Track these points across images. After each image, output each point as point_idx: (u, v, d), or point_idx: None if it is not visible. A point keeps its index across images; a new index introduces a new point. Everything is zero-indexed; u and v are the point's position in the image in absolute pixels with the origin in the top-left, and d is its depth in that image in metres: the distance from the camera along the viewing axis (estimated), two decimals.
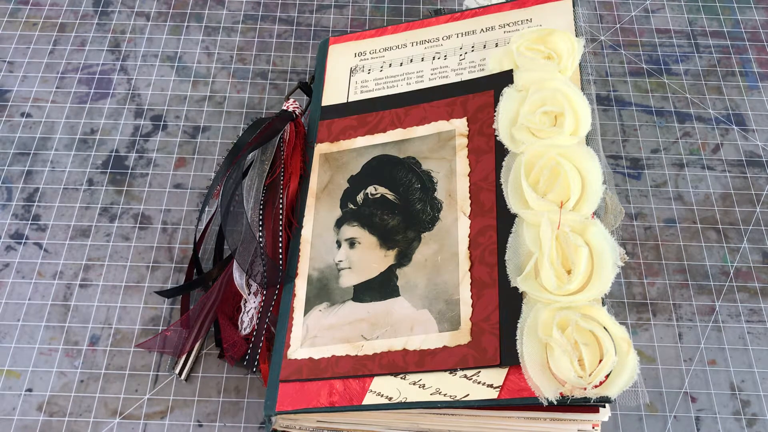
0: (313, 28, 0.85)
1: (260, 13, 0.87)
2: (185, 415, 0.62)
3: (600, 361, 0.49)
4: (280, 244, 0.63)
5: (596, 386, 0.48)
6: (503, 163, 0.60)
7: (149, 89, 0.80)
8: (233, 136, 0.77)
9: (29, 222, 0.71)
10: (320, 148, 0.68)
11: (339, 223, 0.64)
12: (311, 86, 0.74)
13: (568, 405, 0.49)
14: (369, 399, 0.54)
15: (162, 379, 0.63)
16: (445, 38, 0.71)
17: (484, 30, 0.70)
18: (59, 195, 0.73)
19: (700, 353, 0.65)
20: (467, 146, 0.63)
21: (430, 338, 0.56)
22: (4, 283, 0.68)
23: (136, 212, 0.72)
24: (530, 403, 0.50)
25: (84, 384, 0.63)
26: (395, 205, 0.63)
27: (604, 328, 0.50)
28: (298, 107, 0.71)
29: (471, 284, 0.57)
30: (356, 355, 0.57)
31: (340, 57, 0.74)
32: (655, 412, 0.62)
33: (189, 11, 0.87)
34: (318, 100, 0.72)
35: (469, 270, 0.57)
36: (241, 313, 0.64)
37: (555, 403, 0.49)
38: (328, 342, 0.58)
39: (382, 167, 0.65)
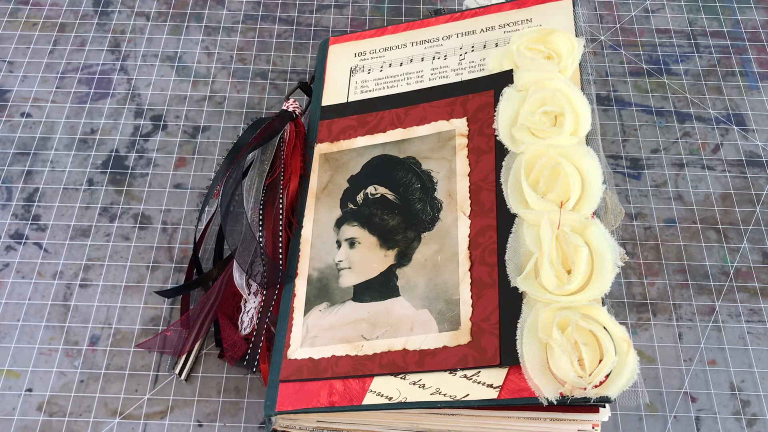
0: (313, 28, 0.85)
1: (260, 13, 0.87)
2: (185, 415, 0.62)
3: (600, 361, 0.49)
4: (280, 244, 0.63)
5: (596, 386, 0.48)
6: (503, 163, 0.60)
7: (149, 89, 0.80)
8: (233, 136, 0.77)
9: (29, 222, 0.71)
10: (320, 148, 0.68)
11: (339, 223, 0.64)
12: (311, 86, 0.74)
13: (568, 405, 0.49)
14: (369, 399, 0.54)
15: (162, 379, 0.63)
16: (445, 38, 0.71)
17: (484, 30, 0.70)
18: (59, 195, 0.73)
19: (700, 353, 0.65)
20: (467, 146, 0.63)
21: (430, 338, 0.56)
22: (4, 283, 0.68)
23: (136, 212, 0.72)
24: (530, 403, 0.50)
25: (84, 384, 0.63)
26: (395, 205, 0.63)
27: (604, 328, 0.50)
28: (298, 107, 0.71)
29: (471, 284, 0.57)
30: (356, 355, 0.57)
31: (340, 57, 0.74)
32: (655, 412, 0.62)
33: (189, 11, 0.87)
34: (318, 100, 0.72)
35: (469, 270, 0.57)
36: (241, 313, 0.64)
37: (555, 403, 0.49)
38: (328, 342, 0.58)
39: (382, 167, 0.65)
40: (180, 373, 0.63)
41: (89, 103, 0.79)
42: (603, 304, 0.52)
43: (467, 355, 0.54)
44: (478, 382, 0.52)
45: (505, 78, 0.65)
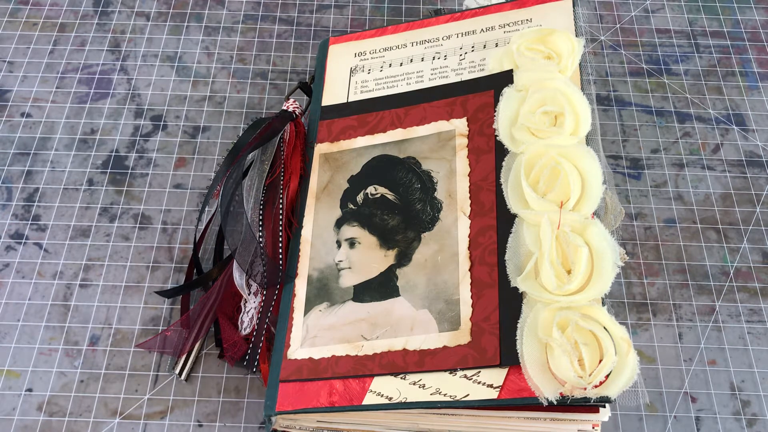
0: (313, 28, 0.85)
1: (260, 13, 0.87)
2: (185, 415, 0.62)
3: (600, 361, 0.49)
4: (280, 244, 0.63)
5: (596, 386, 0.48)
6: (503, 163, 0.60)
7: (149, 89, 0.80)
8: (233, 136, 0.77)
9: (29, 222, 0.71)
10: (320, 148, 0.68)
11: (339, 223, 0.64)
12: (311, 86, 0.74)
13: (568, 405, 0.49)
14: (369, 399, 0.54)
15: (162, 379, 0.63)
16: (445, 38, 0.71)
17: (484, 30, 0.70)
18: (59, 195, 0.73)
19: (700, 353, 0.65)
20: (467, 146, 0.63)
21: (430, 338, 0.56)
22: (4, 283, 0.68)
23: (136, 212, 0.72)
24: (530, 403, 0.50)
25: (84, 384, 0.63)
26: (395, 205, 0.63)
27: (604, 328, 0.50)
28: (298, 107, 0.71)
29: (471, 284, 0.57)
30: (356, 355, 0.57)
31: (340, 57, 0.74)
32: (655, 412, 0.62)
33: (189, 11, 0.87)
34: (318, 100, 0.72)
35: (469, 270, 0.57)
36: (241, 313, 0.64)
37: (555, 403, 0.49)
38: (328, 342, 0.58)
39: (382, 167, 0.65)
40: (180, 373, 0.63)
41: (89, 103, 0.79)
42: (603, 304, 0.52)
43: (467, 355, 0.54)
44: (478, 382, 0.52)
45: (505, 78, 0.65)
